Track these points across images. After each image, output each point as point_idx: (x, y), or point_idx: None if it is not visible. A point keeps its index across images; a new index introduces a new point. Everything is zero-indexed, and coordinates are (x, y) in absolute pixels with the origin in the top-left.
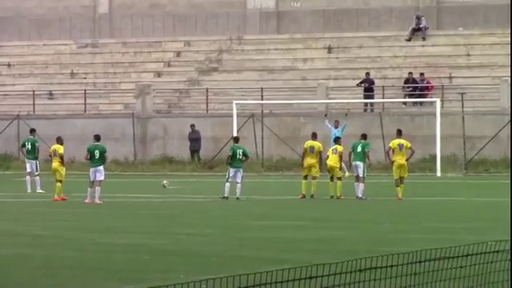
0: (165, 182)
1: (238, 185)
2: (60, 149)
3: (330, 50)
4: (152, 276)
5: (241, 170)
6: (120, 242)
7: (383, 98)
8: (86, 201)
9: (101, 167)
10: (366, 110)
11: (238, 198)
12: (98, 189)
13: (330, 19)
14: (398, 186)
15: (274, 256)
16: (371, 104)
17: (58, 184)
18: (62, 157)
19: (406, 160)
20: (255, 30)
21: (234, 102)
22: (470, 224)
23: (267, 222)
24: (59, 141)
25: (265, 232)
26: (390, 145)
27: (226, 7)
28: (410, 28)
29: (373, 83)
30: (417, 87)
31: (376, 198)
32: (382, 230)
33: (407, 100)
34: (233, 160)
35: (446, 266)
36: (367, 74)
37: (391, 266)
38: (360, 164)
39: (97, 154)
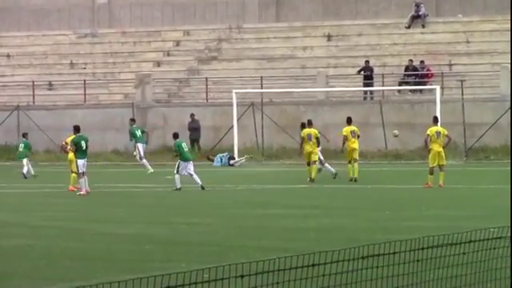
0: (396, 131)
1: (195, 175)
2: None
3: (329, 37)
4: (153, 266)
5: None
6: (121, 231)
7: (383, 85)
8: (82, 192)
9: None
10: (365, 98)
11: (203, 188)
12: (86, 178)
13: (329, 7)
14: (431, 174)
15: (275, 245)
16: (371, 92)
17: (74, 175)
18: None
19: (443, 147)
20: (254, 18)
21: (234, 90)
22: (471, 211)
23: (268, 210)
24: (77, 129)
25: (266, 221)
26: (428, 132)
27: None
28: (410, 15)
29: (372, 71)
30: (416, 75)
31: (377, 186)
32: (383, 217)
33: (407, 88)
34: (182, 154)
35: (448, 252)
36: (367, 61)
37: (393, 253)
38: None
39: (83, 144)
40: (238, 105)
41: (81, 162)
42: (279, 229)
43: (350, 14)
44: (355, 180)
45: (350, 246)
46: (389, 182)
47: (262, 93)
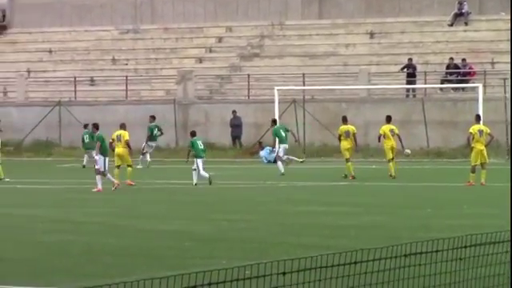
0: (407, 151)
1: (202, 172)
2: (126, 135)
3: (371, 35)
4: (194, 262)
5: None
6: (161, 228)
7: (425, 83)
8: (113, 188)
9: None
10: (408, 96)
11: (210, 182)
12: (106, 176)
13: (372, 4)
14: (473, 173)
15: (316, 242)
16: (413, 90)
17: (129, 169)
18: (128, 143)
19: (485, 146)
20: (297, 15)
21: (276, 87)
22: None
23: (309, 208)
24: (123, 127)
25: (307, 218)
26: (471, 130)
27: None
28: (453, 13)
29: (415, 69)
30: (459, 73)
31: (418, 184)
32: (425, 215)
33: (449, 86)
34: (196, 151)
35: (490, 251)
36: (410, 59)
37: (435, 252)
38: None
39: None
40: (279, 102)
41: (103, 159)
42: (320, 226)
43: (393, 11)
44: (394, 177)
45: (391, 243)
46: (430, 180)
47: (303, 90)
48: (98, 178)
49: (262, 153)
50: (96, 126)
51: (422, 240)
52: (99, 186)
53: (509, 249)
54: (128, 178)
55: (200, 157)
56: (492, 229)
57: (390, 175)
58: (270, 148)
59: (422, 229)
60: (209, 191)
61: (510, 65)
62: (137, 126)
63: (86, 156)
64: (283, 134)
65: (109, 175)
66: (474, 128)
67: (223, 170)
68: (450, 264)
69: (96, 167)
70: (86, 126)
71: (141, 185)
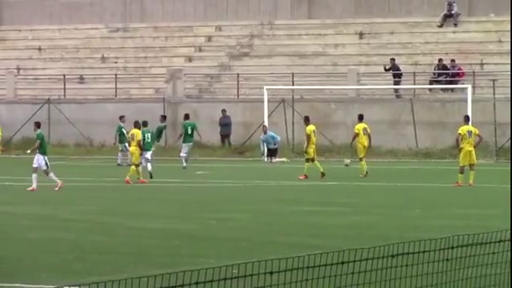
0: (347, 161)
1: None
2: (138, 134)
3: (361, 35)
4: (182, 261)
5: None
6: (150, 226)
7: (414, 84)
8: (32, 188)
9: None
10: (398, 97)
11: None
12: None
13: (361, 4)
14: (461, 173)
15: (304, 241)
16: (396, 90)
17: (133, 167)
18: (139, 142)
19: (474, 147)
20: (286, 14)
21: (265, 87)
22: (501, 211)
23: (297, 207)
24: (137, 125)
25: (295, 217)
26: (460, 131)
27: None
28: (442, 14)
29: (398, 69)
30: (448, 73)
31: (407, 185)
32: (413, 215)
33: (438, 86)
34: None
35: (477, 252)
36: (392, 59)
37: (423, 252)
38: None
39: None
40: (268, 101)
41: (43, 157)
42: (309, 226)
43: (382, 11)
44: (366, 174)
45: (379, 243)
46: (419, 181)
47: (293, 89)
48: (34, 176)
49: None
50: (37, 125)
51: (410, 240)
52: (34, 185)
53: (496, 250)
54: (127, 175)
55: (146, 149)
56: (480, 230)
57: (363, 174)
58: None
59: (411, 229)
60: (198, 190)
61: (501, 66)
62: (126, 124)
63: (120, 153)
64: (189, 132)
65: (51, 174)
66: (463, 129)
67: (212, 169)
68: (438, 264)
69: (33, 166)
70: (121, 118)
71: (131, 183)
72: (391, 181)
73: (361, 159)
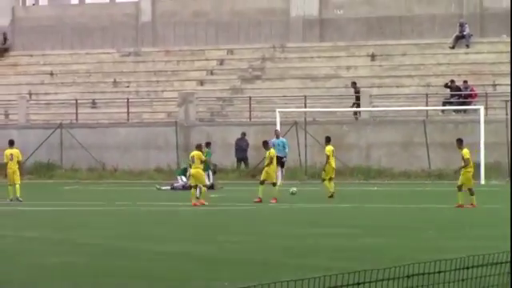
0: (293, 189)
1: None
2: (200, 156)
3: (373, 57)
4: (196, 284)
5: None
6: (163, 249)
7: (426, 105)
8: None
9: None
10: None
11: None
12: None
13: (373, 27)
14: (472, 195)
15: (318, 263)
16: (355, 113)
17: (204, 188)
18: (205, 162)
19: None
20: (298, 37)
21: (277, 109)
22: None
23: (312, 229)
24: (198, 147)
25: (309, 240)
26: (468, 156)
27: (269, 15)
28: (454, 35)
29: (358, 92)
30: (460, 95)
31: (420, 206)
32: (427, 237)
33: (451, 108)
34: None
35: (492, 272)
36: (354, 83)
37: (438, 272)
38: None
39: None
40: (281, 124)
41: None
42: (323, 248)
43: (394, 33)
44: (332, 196)
45: (393, 265)
46: (432, 202)
47: (305, 112)
48: None
49: None
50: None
51: (425, 261)
52: None
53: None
54: (202, 197)
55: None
56: (494, 250)
57: (331, 195)
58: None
59: (425, 250)
60: (211, 213)
61: (510, 87)
62: (138, 148)
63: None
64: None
65: None
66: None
67: (225, 192)
68: (454, 285)
69: None
70: (208, 145)
71: (144, 207)
72: (404, 202)
73: (329, 179)
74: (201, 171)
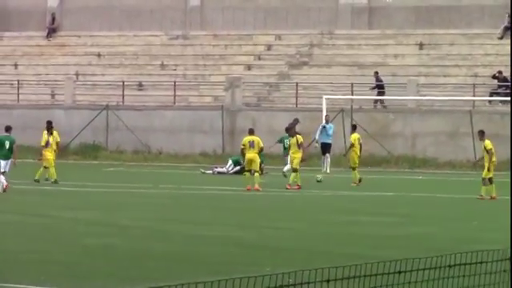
0: (319, 176)
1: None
2: (259, 142)
3: (421, 46)
4: (238, 269)
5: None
6: (207, 234)
7: (474, 95)
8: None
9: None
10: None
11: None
12: (3, 177)
13: (422, 15)
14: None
15: (361, 252)
16: (381, 101)
17: (257, 174)
18: (262, 148)
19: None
20: (346, 24)
21: (324, 96)
22: None
23: (355, 217)
24: (251, 132)
25: (352, 228)
26: (491, 147)
27: (318, 1)
28: (503, 26)
29: (381, 81)
30: (507, 86)
31: (465, 196)
32: (471, 228)
33: (498, 98)
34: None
35: None
36: (376, 73)
37: (480, 263)
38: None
39: (7, 144)
40: (327, 111)
41: (3, 162)
42: (365, 236)
43: (443, 23)
44: (357, 183)
45: (435, 254)
46: (477, 193)
47: (352, 99)
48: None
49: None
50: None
51: (467, 251)
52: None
53: None
54: (256, 183)
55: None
56: None
57: (355, 183)
58: None
59: (468, 241)
60: (256, 198)
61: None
62: (184, 131)
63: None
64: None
65: (1, 176)
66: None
67: (269, 178)
68: (495, 276)
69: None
70: (287, 130)
71: (189, 190)
72: (449, 192)
73: (354, 169)
74: (257, 156)
